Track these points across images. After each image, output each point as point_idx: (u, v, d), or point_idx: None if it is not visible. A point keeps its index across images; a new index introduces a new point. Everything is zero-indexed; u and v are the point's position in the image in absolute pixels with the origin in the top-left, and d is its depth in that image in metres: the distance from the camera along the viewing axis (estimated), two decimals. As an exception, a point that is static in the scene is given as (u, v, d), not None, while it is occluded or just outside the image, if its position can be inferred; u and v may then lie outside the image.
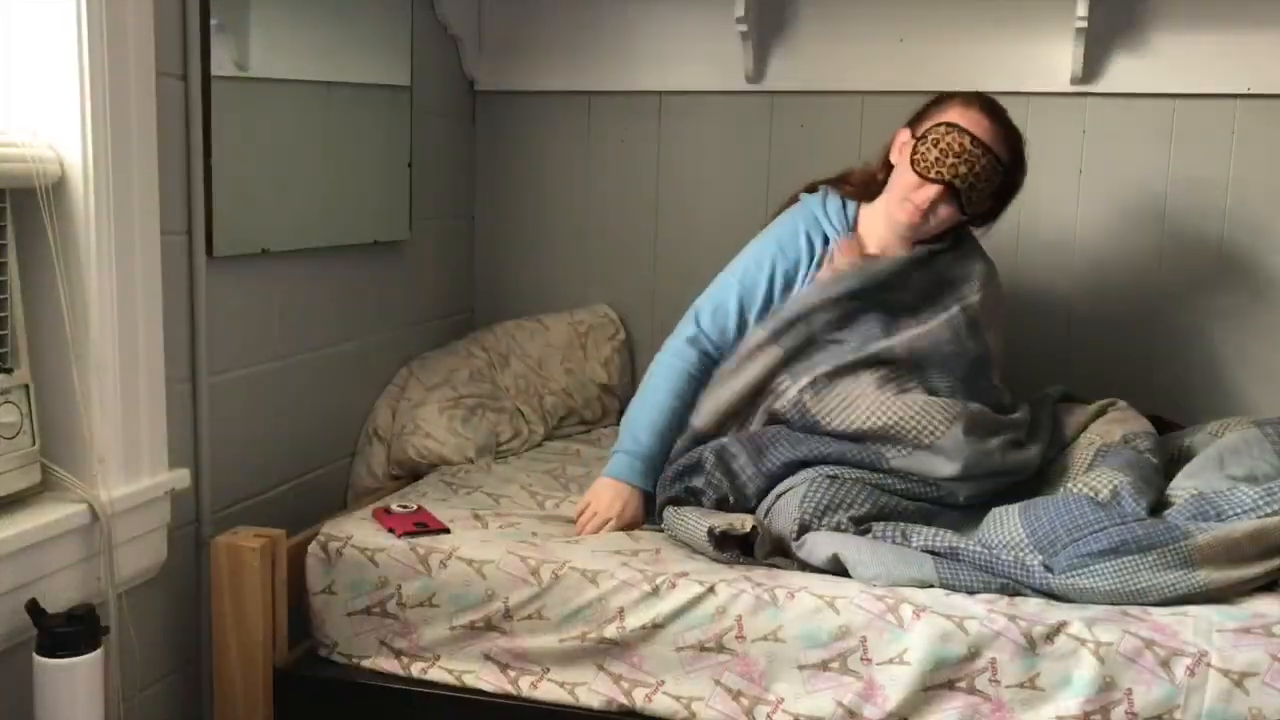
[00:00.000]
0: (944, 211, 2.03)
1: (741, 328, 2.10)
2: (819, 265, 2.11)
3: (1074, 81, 2.45)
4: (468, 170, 2.84)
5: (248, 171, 2.00)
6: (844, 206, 2.15)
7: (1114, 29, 2.42)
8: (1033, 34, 2.47)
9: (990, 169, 1.99)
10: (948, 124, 1.99)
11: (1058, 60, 2.45)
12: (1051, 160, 2.52)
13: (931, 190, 2.00)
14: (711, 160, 2.71)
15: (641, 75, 2.71)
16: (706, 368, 2.11)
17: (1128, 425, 2.09)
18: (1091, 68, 2.44)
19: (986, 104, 2.03)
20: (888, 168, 2.11)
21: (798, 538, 1.85)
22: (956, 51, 2.50)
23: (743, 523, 1.82)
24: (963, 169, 1.97)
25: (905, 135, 2.08)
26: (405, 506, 1.98)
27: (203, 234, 1.90)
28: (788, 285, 2.11)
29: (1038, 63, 2.48)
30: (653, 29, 2.68)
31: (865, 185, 2.14)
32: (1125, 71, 2.44)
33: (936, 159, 1.98)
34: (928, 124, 2.03)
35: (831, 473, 1.90)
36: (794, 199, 2.23)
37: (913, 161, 2.01)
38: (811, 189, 2.22)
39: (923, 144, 2.00)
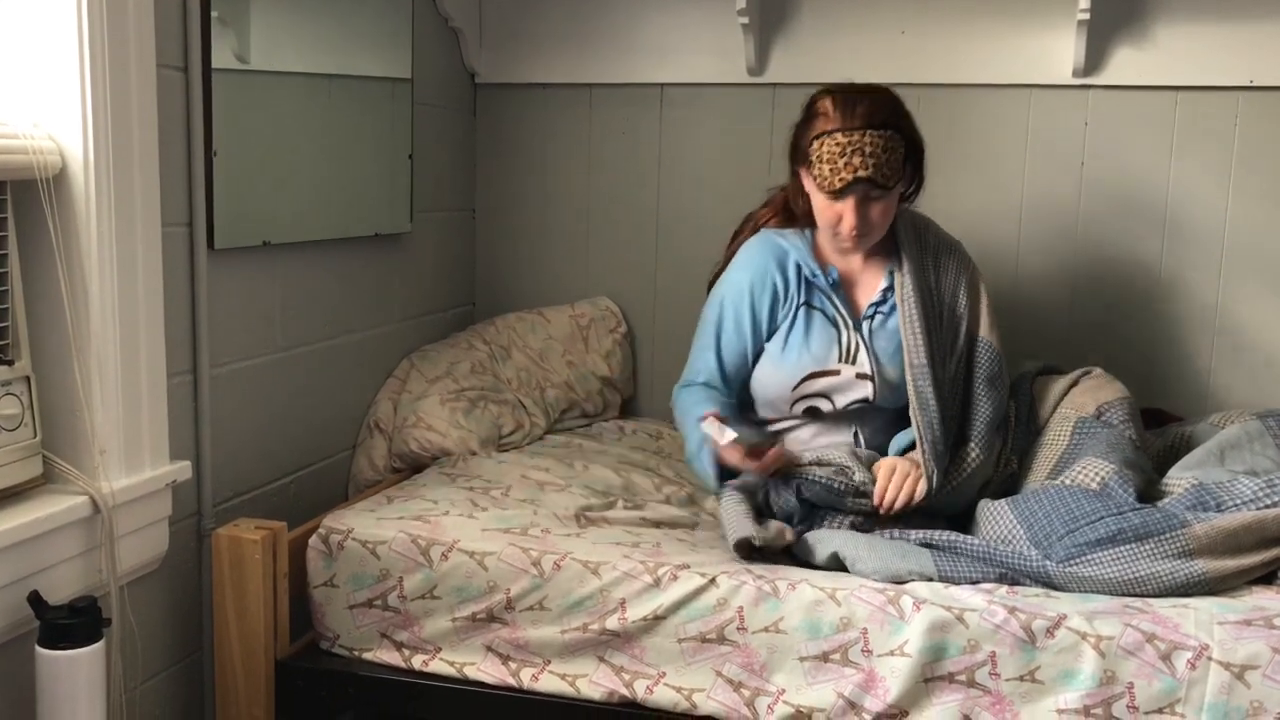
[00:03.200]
0: (875, 210, 1.96)
1: (724, 375, 2.08)
2: (794, 301, 2.05)
3: (1076, 74, 2.44)
4: (469, 163, 2.84)
5: (248, 164, 1.99)
6: (801, 231, 2.11)
7: (1116, 21, 2.41)
8: (1035, 26, 2.46)
9: (879, 142, 1.90)
10: (816, 137, 1.93)
11: (1060, 52, 2.45)
12: (1053, 152, 2.51)
13: (850, 199, 1.94)
14: (713, 152, 2.71)
15: (643, 67, 2.70)
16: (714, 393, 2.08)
17: (1101, 394, 2.07)
18: (1093, 60, 2.43)
19: (839, 96, 1.96)
20: (807, 198, 2.04)
21: (800, 534, 1.86)
22: (958, 44, 2.50)
23: (782, 534, 1.82)
24: (856, 159, 1.89)
25: (802, 169, 2.02)
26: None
27: (204, 226, 1.90)
28: (756, 328, 2.06)
29: (1040, 55, 2.47)
30: (654, 21, 2.68)
31: (805, 213, 2.07)
32: (1127, 63, 2.43)
33: (831, 170, 1.91)
34: (805, 147, 1.97)
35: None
36: (744, 230, 2.20)
37: (818, 187, 1.95)
38: (754, 229, 2.18)
39: (814, 168, 1.94)
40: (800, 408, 2.04)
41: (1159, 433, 2.17)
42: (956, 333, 2.05)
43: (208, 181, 1.90)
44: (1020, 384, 2.16)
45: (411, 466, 2.32)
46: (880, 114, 1.93)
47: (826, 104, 1.96)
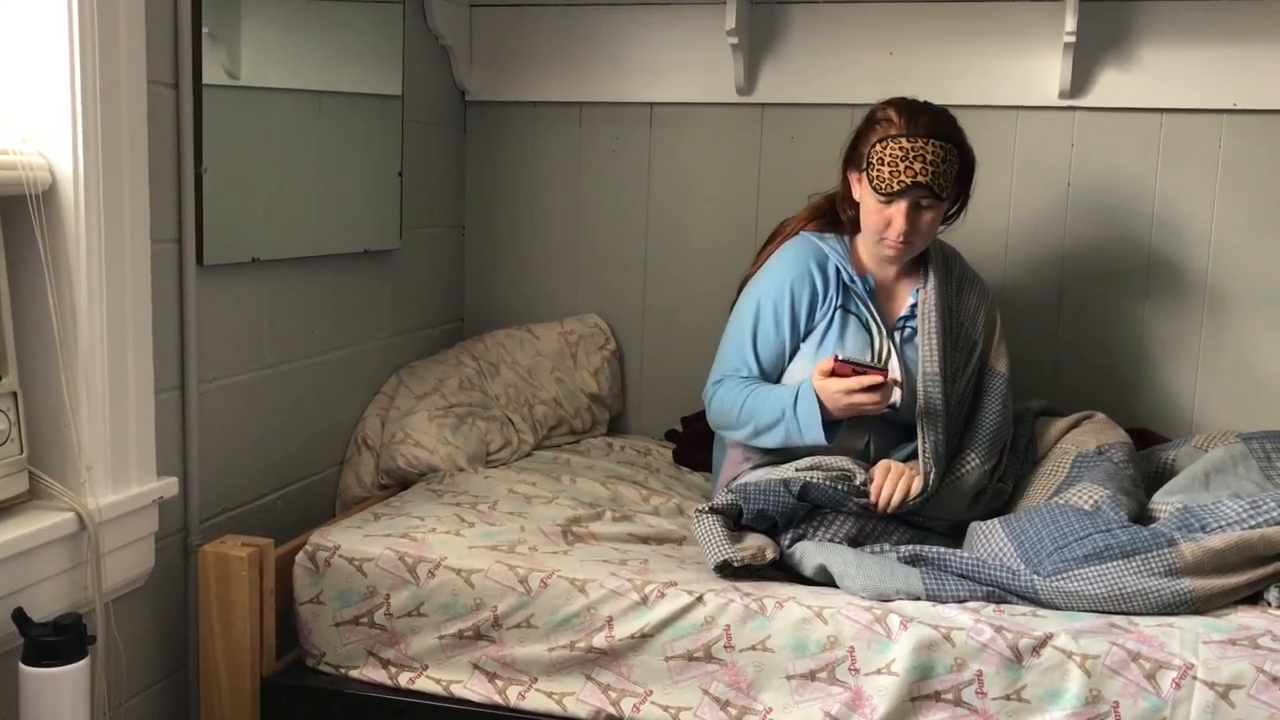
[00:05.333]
0: (924, 219, 2.01)
1: (761, 370, 2.09)
2: (831, 302, 2.07)
3: (1062, 95, 2.46)
4: (458, 180, 2.85)
5: (238, 180, 2.00)
6: (840, 237, 2.15)
7: (1102, 43, 2.44)
8: (1021, 48, 2.48)
9: (940, 153, 1.97)
10: (879, 140, 1.99)
11: (1046, 74, 2.47)
12: (1040, 174, 2.53)
13: (903, 204, 1.99)
14: (702, 171, 2.72)
15: (632, 86, 2.71)
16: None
17: (1103, 436, 2.11)
18: (1080, 82, 2.45)
19: (904, 105, 2.03)
20: (855, 205, 2.10)
21: (790, 545, 1.86)
22: (945, 65, 2.52)
23: (762, 552, 1.83)
24: (917, 165, 1.96)
25: (855, 175, 2.08)
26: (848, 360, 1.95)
27: (193, 242, 1.90)
28: (795, 324, 2.08)
29: (1026, 77, 2.49)
30: (644, 40, 2.69)
31: (850, 220, 2.13)
32: (1113, 86, 2.45)
33: (891, 173, 1.97)
34: (865, 151, 2.03)
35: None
36: (779, 235, 2.22)
37: (873, 190, 2.00)
38: (790, 234, 2.21)
39: (872, 170, 1.99)
40: None
41: (1144, 455, 2.18)
42: (970, 357, 2.11)
43: (197, 197, 1.90)
44: (1023, 416, 2.20)
45: (399, 483, 2.32)
46: (942, 127, 2.01)
47: (890, 112, 2.02)
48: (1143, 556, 1.72)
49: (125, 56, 1.68)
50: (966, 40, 2.51)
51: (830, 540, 1.87)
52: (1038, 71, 2.48)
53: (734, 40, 2.53)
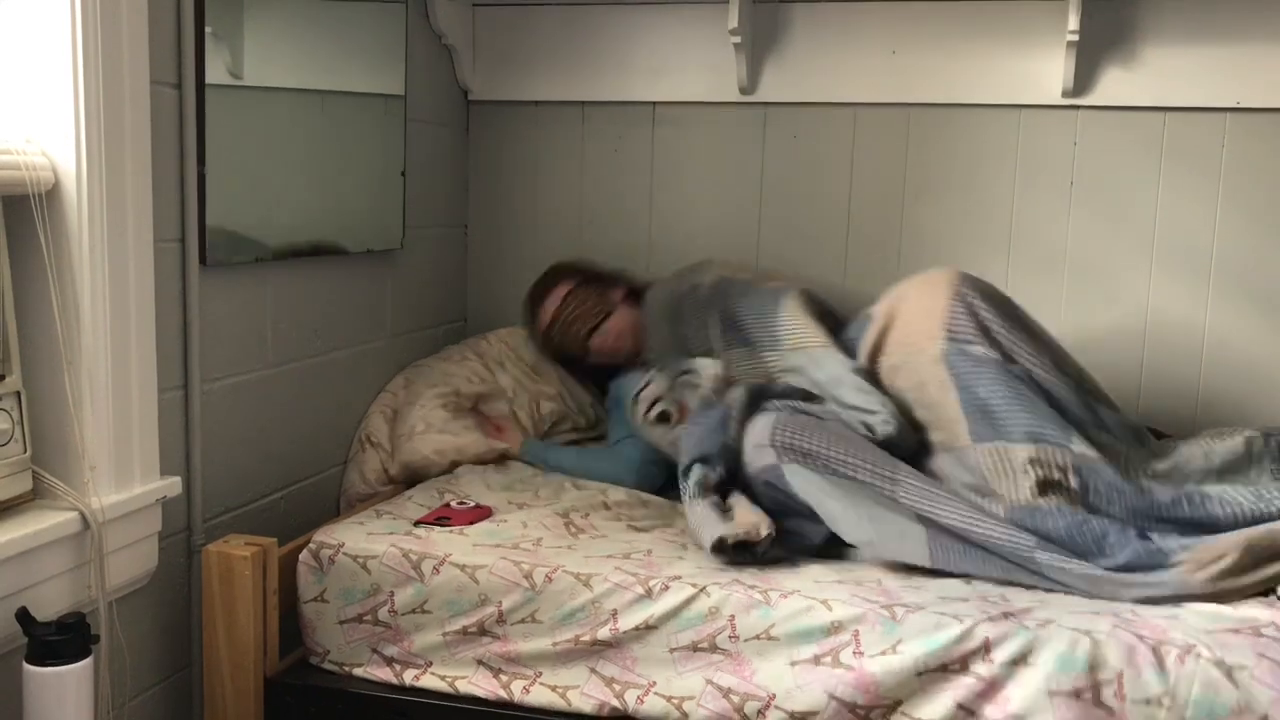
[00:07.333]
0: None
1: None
2: None
3: (1065, 94, 2.46)
4: (461, 180, 2.85)
5: (241, 180, 2.00)
6: None
7: (1105, 42, 2.43)
8: (1024, 47, 2.48)
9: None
10: None
11: (1049, 73, 2.47)
12: (1043, 173, 2.53)
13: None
14: (704, 171, 2.72)
15: (635, 86, 2.71)
16: None
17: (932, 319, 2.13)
18: (1083, 80, 2.45)
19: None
20: None
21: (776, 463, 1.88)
22: (948, 64, 2.51)
23: (756, 528, 1.83)
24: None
25: None
26: (463, 503, 2.06)
27: (196, 242, 1.90)
28: None
29: (1029, 75, 2.49)
30: (647, 40, 2.69)
31: None
32: (1116, 84, 2.45)
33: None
34: None
35: (803, 409, 1.99)
36: None
37: None
38: None
39: None
40: None
41: (1154, 448, 2.17)
42: None
43: (200, 197, 1.90)
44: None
45: (404, 479, 2.32)
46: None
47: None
48: (1152, 584, 1.73)
49: (128, 56, 1.68)
50: (969, 39, 2.51)
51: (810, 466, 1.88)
52: (1040, 70, 2.48)
53: (736, 39, 2.53)
